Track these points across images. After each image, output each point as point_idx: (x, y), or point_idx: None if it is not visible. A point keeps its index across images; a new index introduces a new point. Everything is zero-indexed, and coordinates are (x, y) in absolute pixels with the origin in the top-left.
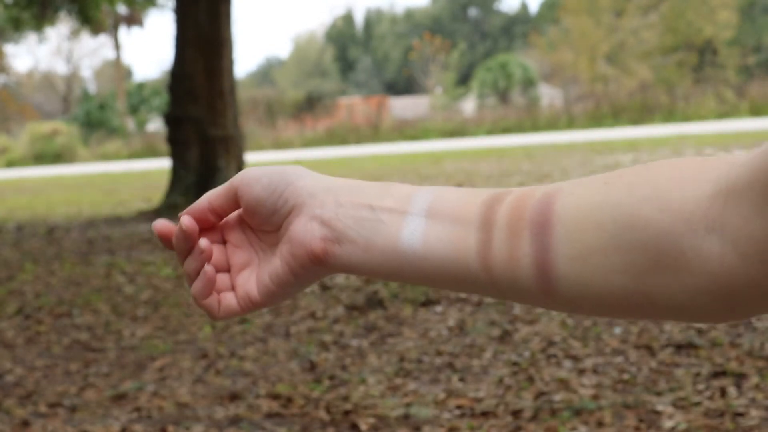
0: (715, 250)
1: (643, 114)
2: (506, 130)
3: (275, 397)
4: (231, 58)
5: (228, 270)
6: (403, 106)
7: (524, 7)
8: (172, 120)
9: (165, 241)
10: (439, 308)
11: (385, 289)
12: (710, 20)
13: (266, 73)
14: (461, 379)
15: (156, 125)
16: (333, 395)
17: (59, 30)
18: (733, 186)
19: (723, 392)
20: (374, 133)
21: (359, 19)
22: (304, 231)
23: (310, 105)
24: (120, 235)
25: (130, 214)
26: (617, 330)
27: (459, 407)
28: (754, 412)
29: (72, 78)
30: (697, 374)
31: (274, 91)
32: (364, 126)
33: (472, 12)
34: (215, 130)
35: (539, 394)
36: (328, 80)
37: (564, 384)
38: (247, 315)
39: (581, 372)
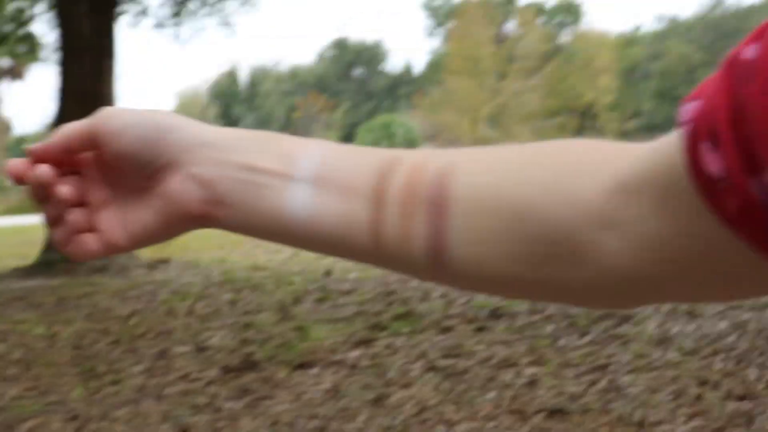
0: (611, 245)
1: None
2: None
3: None
4: None
5: (84, 204)
6: None
7: (408, 68)
8: None
9: (19, 182)
10: (314, 371)
11: (261, 350)
12: (591, 85)
13: None
14: None
15: None
16: None
17: None
18: (631, 182)
19: None
20: None
21: (244, 76)
22: (181, 190)
23: None
24: None
25: (5, 270)
26: (491, 395)
27: None
28: None
29: None
30: None
31: None
32: None
33: (357, 72)
34: None
35: None
36: None
37: None
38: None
39: None
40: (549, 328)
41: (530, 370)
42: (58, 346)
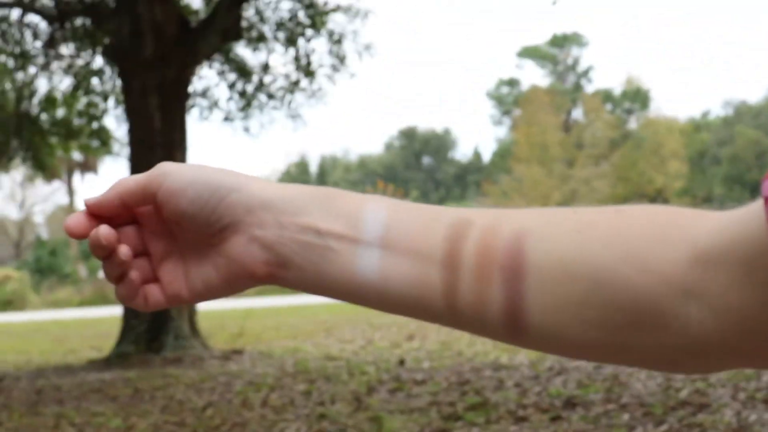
0: (693, 314)
1: None
2: None
3: None
4: None
5: (146, 254)
6: None
7: (477, 155)
8: None
9: (78, 238)
10: None
11: None
12: (661, 170)
13: None
14: None
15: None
16: None
17: (12, 176)
18: (711, 253)
19: None
20: None
21: (313, 165)
22: (244, 252)
23: None
24: (70, 385)
25: (81, 363)
26: None
27: None
28: None
29: (24, 223)
30: None
31: None
32: None
33: (426, 160)
34: None
35: None
36: None
37: None
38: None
39: None
40: (625, 417)
41: None
42: None
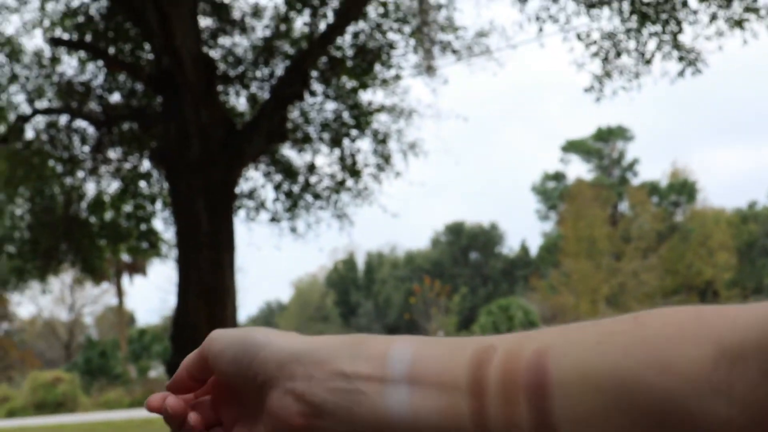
0: (722, 412)
1: None
2: None
3: None
4: (234, 306)
5: (220, 423)
6: None
7: (525, 250)
8: (174, 368)
9: (156, 412)
10: None
11: None
12: (709, 262)
13: (268, 317)
14: None
15: (158, 372)
16: None
17: (62, 278)
18: (739, 350)
19: None
20: None
21: (360, 262)
22: (280, 406)
23: None
24: None
25: None
26: None
27: None
28: None
29: (74, 325)
30: None
31: None
32: None
33: (473, 255)
34: None
35: None
36: (330, 324)
37: None
38: None
39: None
40: None
41: None
42: None
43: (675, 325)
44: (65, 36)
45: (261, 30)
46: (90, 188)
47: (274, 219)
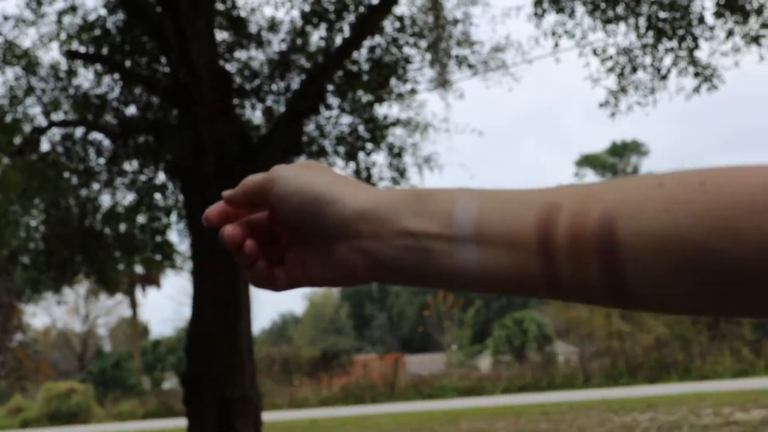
0: None
1: (659, 371)
2: (522, 387)
3: None
4: (249, 317)
5: (276, 241)
6: (419, 363)
7: None
8: (188, 380)
9: (213, 225)
10: None
11: None
12: None
13: (282, 329)
14: None
15: (172, 383)
16: None
17: (76, 290)
18: None
19: None
20: (390, 391)
21: None
22: (348, 259)
23: (326, 362)
24: None
25: None
26: None
27: None
28: None
29: (88, 336)
30: None
31: (290, 349)
32: (380, 383)
33: None
34: (232, 390)
35: None
36: (344, 337)
37: None
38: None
39: None
40: None
41: None
42: None
43: (744, 195)
44: (82, 49)
45: (277, 44)
46: (105, 200)
47: None
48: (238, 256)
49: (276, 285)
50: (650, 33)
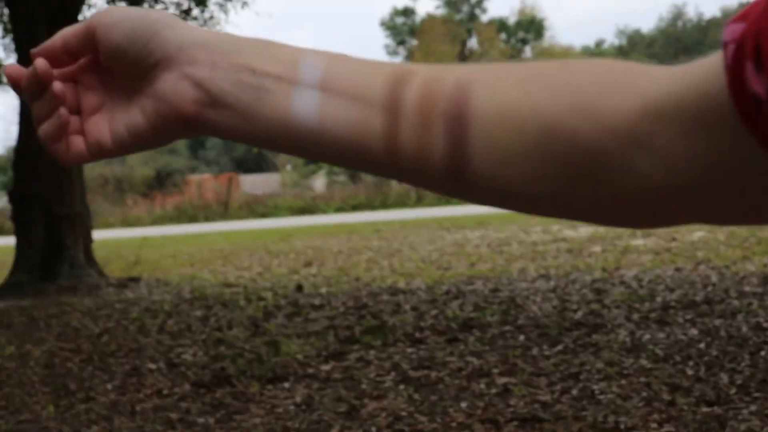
0: (641, 166)
1: None
2: (356, 207)
3: None
4: None
5: (77, 112)
6: (253, 183)
7: None
8: (16, 197)
9: (15, 83)
10: (286, 385)
11: (233, 365)
12: None
13: None
14: None
15: (2, 202)
16: None
17: None
18: (662, 105)
19: None
20: (224, 210)
21: None
22: (173, 90)
23: (160, 182)
24: None
25: None
26: (464, 404)
27: None
28: None
29: None
30: None
31: (124, 168)
32: (213, 203)
33: None
34: (61, 207)
35: None
36: (178, 157)
37: None
38: (95, 160)
39: None
40: (520, 338)
41: (502, 380)
42: (29, 366)
43: (603, 76)
44: None
45: None
46: None
47: None
48: (39, 103)
49: (70, 151)
50: None
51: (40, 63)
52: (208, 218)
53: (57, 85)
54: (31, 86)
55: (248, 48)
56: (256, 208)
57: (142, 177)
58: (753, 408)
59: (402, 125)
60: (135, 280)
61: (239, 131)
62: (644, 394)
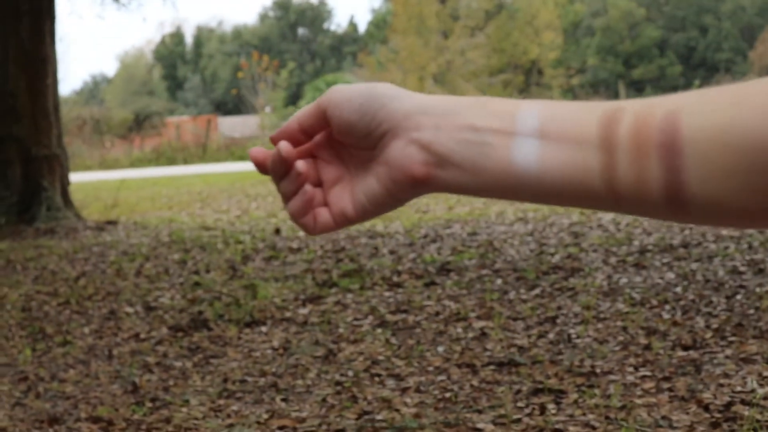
0: None
1: None
2: None
3: (96, 420)
4: (55, 76)
5: (319, 185)
6: (232, 126)
7: (353, 26)
8: None
9: (261, 167)
10: (264, 328)
11: (210, 309)
12: (536, 42)
13: (93, 91)
14: (285, 399)
15: None
16: (155, 417)
17: None
18: None
19: (543, 409)
20: (202, 152)
21: (188, 37)
22: (403, 155)
23: (138, 124)
24: None
25: None
26: (440, 349)
27: (282, 428)
28: (572, 429)
29: None
30: (518, 392)
31: (102, 110)
32: (192, 145)
33: (301, 31)
34: (38, 149)
35: (362, 414)
36: (157, 99)
37: (387, 403)
38: (340, 229)
39: (404, 391)
40: (498, 282)
41: (479, 324)
42: (6, 309)
43: None
44: None
45: None
46: None
47: None
48: (284, 182)
49: (317, 222)
50: None
51: (284, 146)
52: (186, 161)
53: (300, 164)
54: (277, 168)
55: (466, 108)
56: (235, 150)
57: (120, 119)
58: (728, 352)
59: (619, 161)
60: (113, 223)
61: (467, 186)
62: (620, 338)
